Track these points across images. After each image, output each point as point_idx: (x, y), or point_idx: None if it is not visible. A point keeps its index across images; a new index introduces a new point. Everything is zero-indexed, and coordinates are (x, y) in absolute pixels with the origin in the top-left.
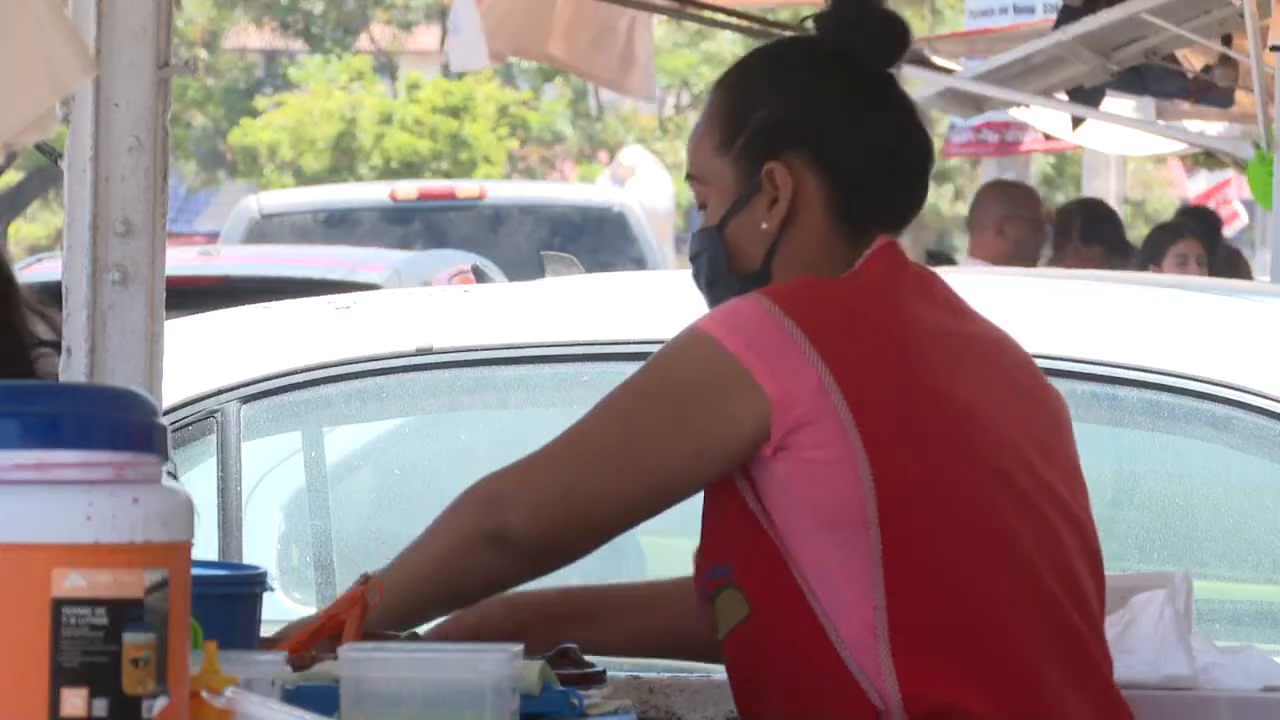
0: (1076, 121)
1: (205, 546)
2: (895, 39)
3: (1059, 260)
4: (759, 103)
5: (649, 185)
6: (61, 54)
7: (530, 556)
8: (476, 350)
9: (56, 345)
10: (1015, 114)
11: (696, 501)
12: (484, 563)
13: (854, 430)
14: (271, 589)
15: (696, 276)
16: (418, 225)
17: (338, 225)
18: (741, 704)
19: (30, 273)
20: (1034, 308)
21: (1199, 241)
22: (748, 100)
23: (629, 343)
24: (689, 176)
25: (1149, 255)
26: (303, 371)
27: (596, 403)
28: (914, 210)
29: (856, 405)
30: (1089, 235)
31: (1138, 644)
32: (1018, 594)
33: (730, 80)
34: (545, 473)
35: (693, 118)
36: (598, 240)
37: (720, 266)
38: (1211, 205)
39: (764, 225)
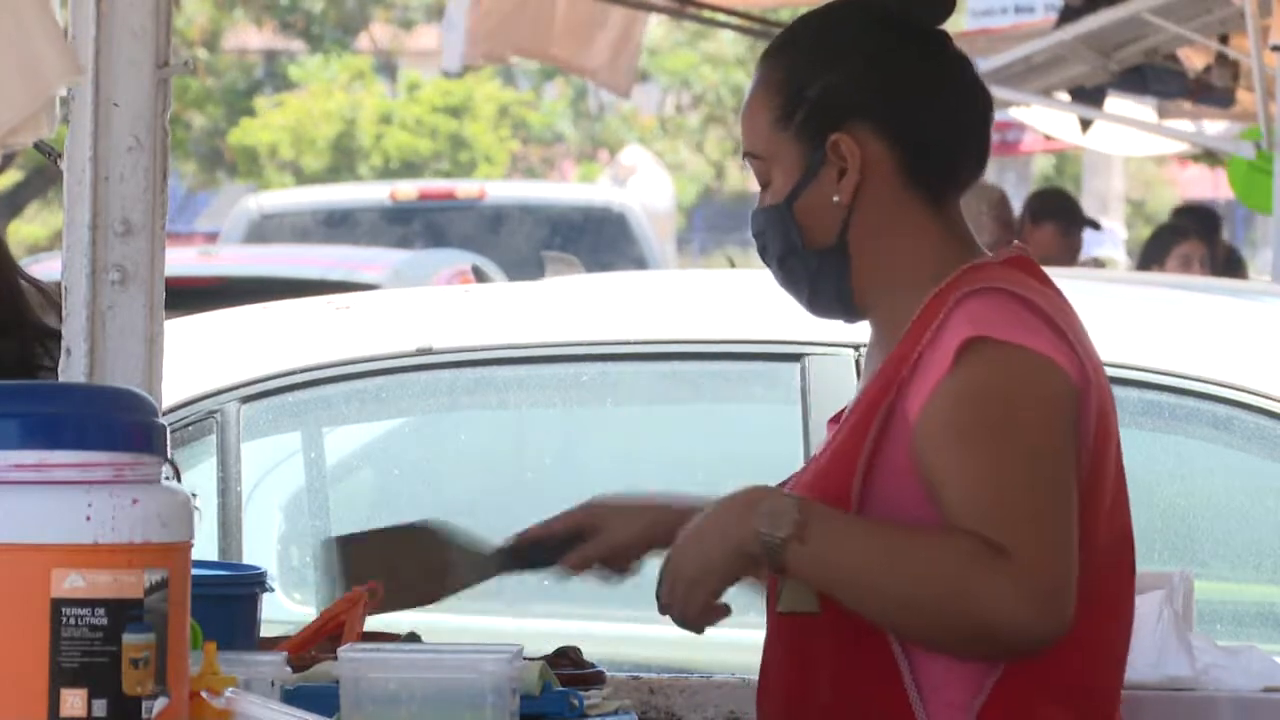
0: (1086, 124)
1: (205, 546)
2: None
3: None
4: (815, 73)
5: (649, 185)
6: (46, 55)
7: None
8: (476, 350)
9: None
10: (1016, 114)
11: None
12: (990, 646)
13: (1091, 446)
14: (271, 589)
15: (763, 253)
16: (418, 225)
17: (338, 225)
18: (778, 678)
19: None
20: None
21: (1202, 243)
22: (803, 71)
23: (629, 343)
24: (746, 154)
25: (1151, 256)
26: (303, 371)
27: (1005, 451)
28: (980, 169)
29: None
30: (1039, 216)
31: (1138, 645)
32: (1114, 625)
33: (780, 51)
34: (1063, 546)
35: (693, 118)
36: (598, 240)
37: (793, 242)
38: None
39: (835, 198)
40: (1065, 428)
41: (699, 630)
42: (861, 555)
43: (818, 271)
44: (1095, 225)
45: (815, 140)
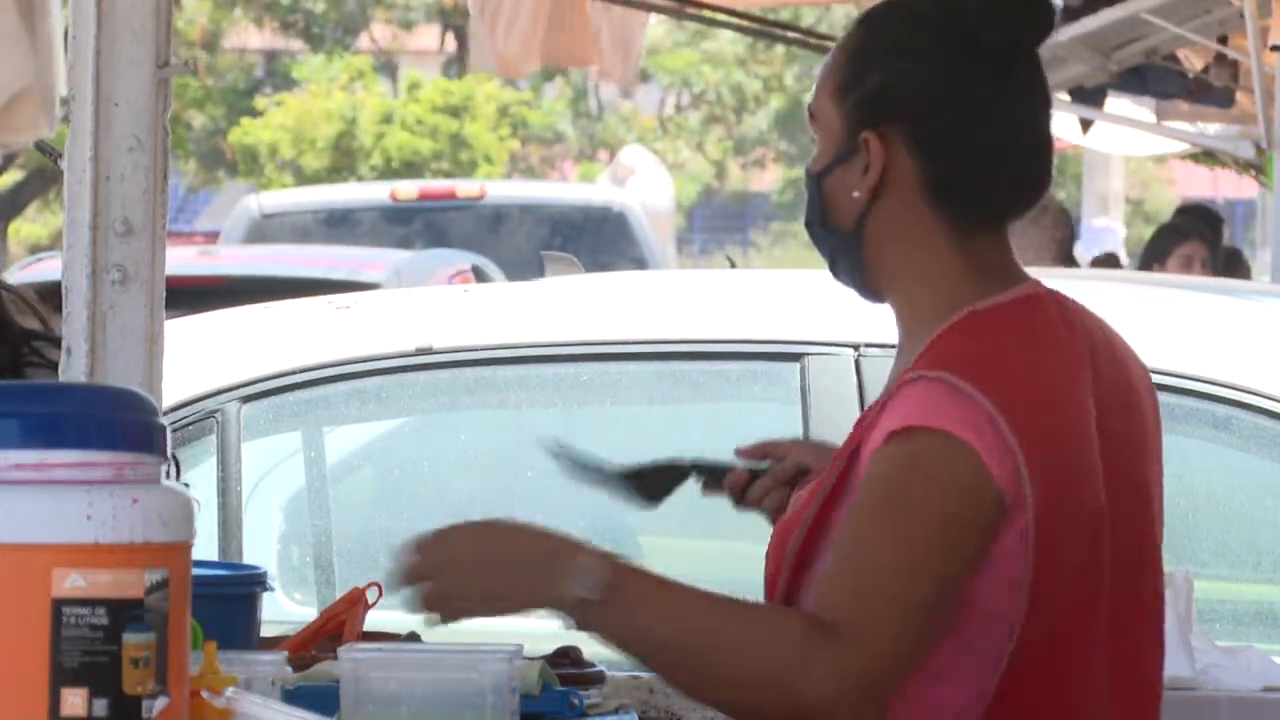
0: (1086, 125)
1: (205, 546)
2: (1040, 20)
3: None
4: (880, 63)
5: (649, 185)
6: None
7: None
8: (476, 350)
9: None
10: None
11: (692, 501)
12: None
13: (1031, 552)
14: (271, 589)
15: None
16: (418, 225)
17: (338, 225)
18: None
19: (30, 273)
20: None
21: (1204, 243)
22: (871, 55)
23: (629, 343)
24: (809, 106)
25: (1153, 256)
26: (303, 371)
27: (885, 530)
28: (1030, 204)
29: (1039, 524)
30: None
31: None
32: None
33: (870, 24)
34: (909, 633)
35: (693, 117)
36: (598, 240)
37: (816, 213)
38: None
39: (855, 193)
40: (963, 517)
41: (431, 621)
42: (673, 624)
43: (834, 249)
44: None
45: (855, 127)
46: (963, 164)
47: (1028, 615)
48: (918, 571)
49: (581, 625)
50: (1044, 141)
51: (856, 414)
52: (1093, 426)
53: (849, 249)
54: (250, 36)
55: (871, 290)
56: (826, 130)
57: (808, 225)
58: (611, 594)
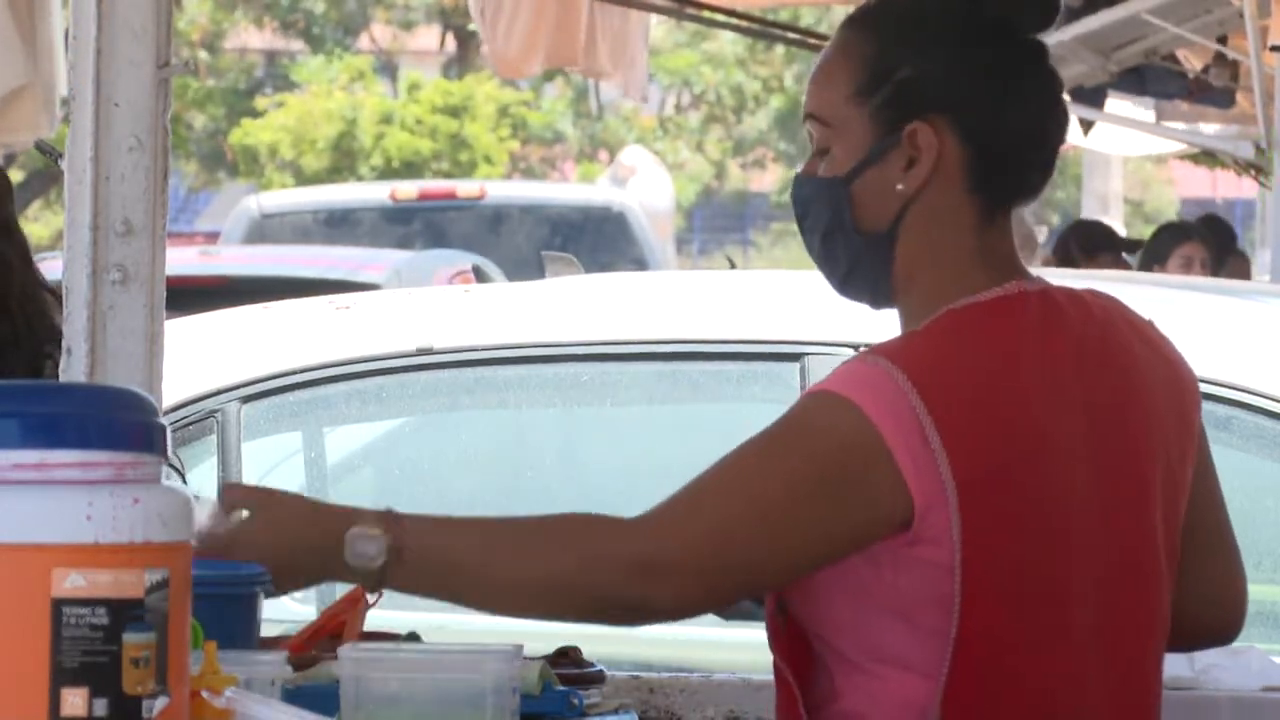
0: (1086, 125)
1: None
2: (1049, 4)
3: None
4: (905, 56)
5: (649, 185)
6: None
7: (662, 618)
8: (476, 350)
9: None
10: None
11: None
12: (610, 617)
13: (958, 540)
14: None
15: (802, 221)
16: (418, 225)
17: (338, 225)
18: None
19: None
20: None
21: (1205, 245)
22: (893, 50)
23: (629, 343)
24: (809, 115)
25: (1153, 255)
26: (303, 371)
27: (739, 459)
28: (1043, 185)
29: (965, 511)
30: (1096, 249)
31: None
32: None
33: (872, 23)
34: (711, 544)
35: (693, 117)
36: (598, 240)
37: (843, 219)
38: None
39: (899, 186)
40: (830, 475)
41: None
42: (461, 549)
43: (860, 254)
44: (1138, 245)
45: (891, 124)
46: (1004, 147)
47: (965, 601)
48: (747, 501)
49: (378, 587)
50: (1059, 133)
51: None
52: (1055, 426)
53: (879, 252)
54: (250, 37)
55: (886, 294)
56: (847, 135)
57: (827, 234)
58: (395, 554)
